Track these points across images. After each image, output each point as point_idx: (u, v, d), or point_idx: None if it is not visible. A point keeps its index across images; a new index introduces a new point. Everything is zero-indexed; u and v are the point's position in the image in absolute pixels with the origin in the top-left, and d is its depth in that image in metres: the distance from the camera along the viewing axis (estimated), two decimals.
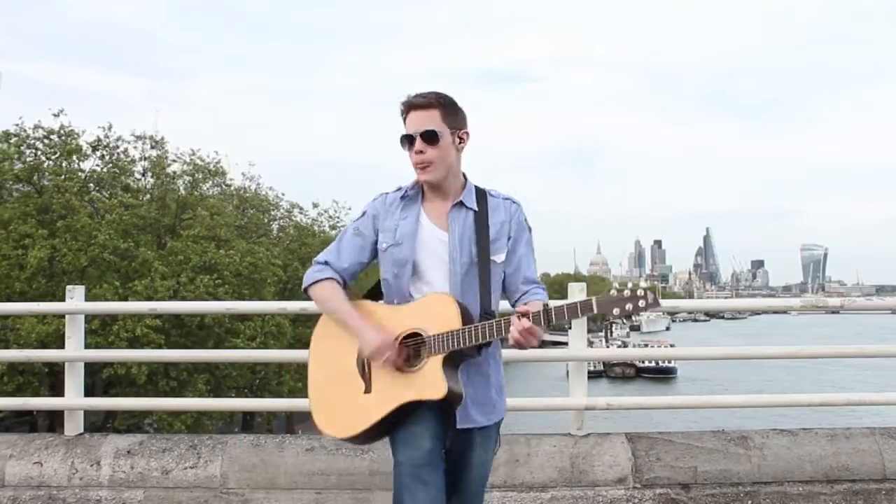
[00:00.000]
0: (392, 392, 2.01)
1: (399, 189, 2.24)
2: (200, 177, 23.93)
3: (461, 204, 2.16)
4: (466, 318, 2.01)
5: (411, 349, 2.03)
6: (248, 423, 26.84)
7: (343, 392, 2.11)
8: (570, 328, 3.57)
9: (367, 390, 2.06)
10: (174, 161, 23.26)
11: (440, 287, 2.10)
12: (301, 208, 29.86)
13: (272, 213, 29.22)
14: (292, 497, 3.23)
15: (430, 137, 2.10)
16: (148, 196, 22.51)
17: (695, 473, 3.20)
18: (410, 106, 2.13)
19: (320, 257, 2.25)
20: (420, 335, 2.03)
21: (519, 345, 1.93)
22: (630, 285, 1.86)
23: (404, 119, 2.16)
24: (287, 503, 3.22)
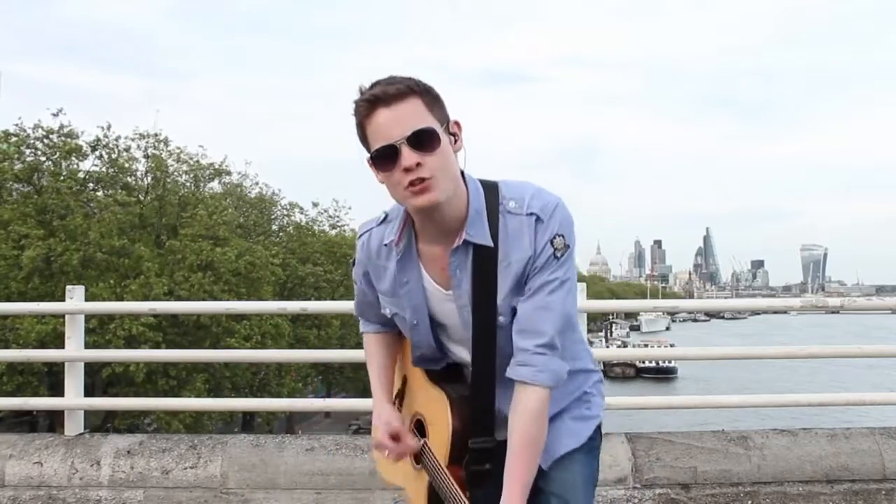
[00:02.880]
0: (421, 480, 1.68)
1: (384, 221, 1.62)
2: (202, 175, 23.94)
3: (466, 243, 1.49)
4: (457, 449, 1.55)
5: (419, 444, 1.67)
6: (248, 423, 26.84)
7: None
8: None
9: (417, 461, 1.70)
10: (175, 161, 23.26)
11: (467, 355, 1.58)
12: (301, 208, 29.93)
13: (272, 212, 29.22)
14: (292, 497, 3.23)
15: (426, 140, 1.40)
16: (148, 195, 22.51)
17: (695, 473, 3.20)
18: (376, 101, 1.41)
19: (354, 310, 1.85)
20: (423, 426, 1.67)
21: None
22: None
23: (364, 125, 1.44)
24: (287, 503, 3.22)
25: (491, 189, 1.52)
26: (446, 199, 1.44)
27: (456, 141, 1.49)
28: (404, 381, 1.81)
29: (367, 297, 1.73)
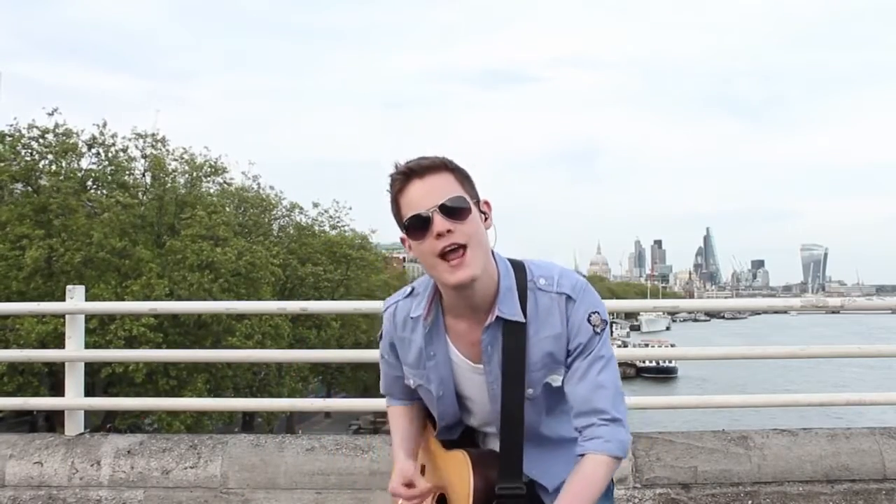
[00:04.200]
0: None
1: (410, 294, 1.67)
2: (200, 174, 23.93)
3: (498, 320, 1.55)
4: (480, 497, 1.55)
5: None
6: (248, 423, 26.87)
7: None
8: None
9: None
10: (174, 160, 23.26)
11: (491, 429, 1.65)
12: (301, 208, 29.94)
13: (272, 212, 29.24)
14: (292, 497, 3.23)
15: (455, 210, 1.46)
16: (146, 195, 22.50)
17: (695, 473, 3.20)
18: (411, 174, 1.48)
19: (381, 388, 1.86)
20: (445, 501, 1.67)
21: None
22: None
23: (398, 196, 1.51)
24: (287, 503, 3.22)
25: (518, 267, 1.59)
26: (481, 275, 1.49)
27: (486, 219, 1.55)
28: (423, 468, 1.81)
29: (394, 371, 1.76)
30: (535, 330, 1.55)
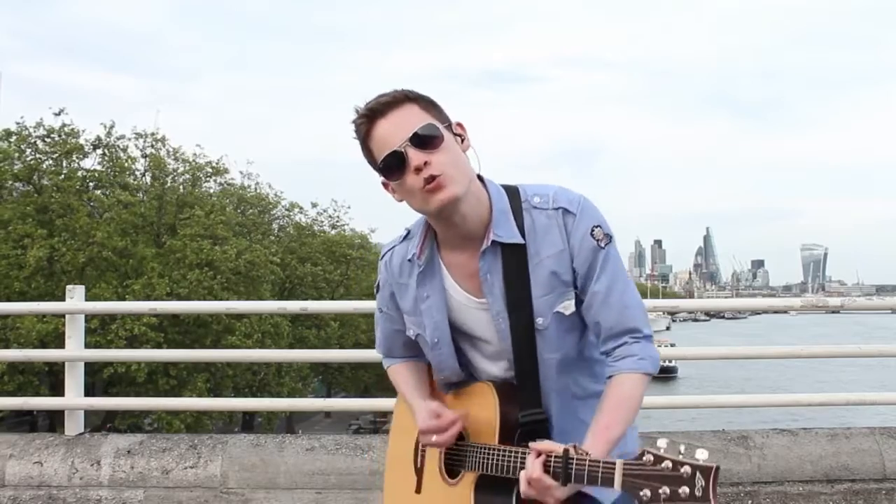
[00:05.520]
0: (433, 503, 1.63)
1: (405, 237, 1.59)
2: (201, 175, 23.95)
3: (494, 244, 1.45)
4: (508, 425, 1.47)
5: (455, 455, 1.59)
6: (247, 423, 26.85)
7: (402, 482, 1.74)
8: None
9: (418, 489, 1.66)
10: (174, 160, 23.26)
11: (503, 372, 1.55)
12: (301, 208, 29.90)
13: (272, 212, 29.24)
14: (292, 497, 3.23)
15: (427, 139, 1.39)
16: (147, 195, 22.51)
17: None
18: (373, 114, 1.41)
19: (377, 349, 1.80)
20: (462, 436, 1.57)
21: (529, 498, 1.34)
22: (681, 451, 1.14)
23: (367, 140, 1.43)
24: (287, 503, 3.22)
25: (511, 190, 1.50)
26: (464, 195, 1.41)
27: (463, 140, 1.46)
28: None
29: (394, 324, 1.67)
30: (535, 251, 1.45)
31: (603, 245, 1.46)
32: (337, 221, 30.25)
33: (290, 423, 29.25)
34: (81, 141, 20.55)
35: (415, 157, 1.37)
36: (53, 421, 14.93)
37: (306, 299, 21.65)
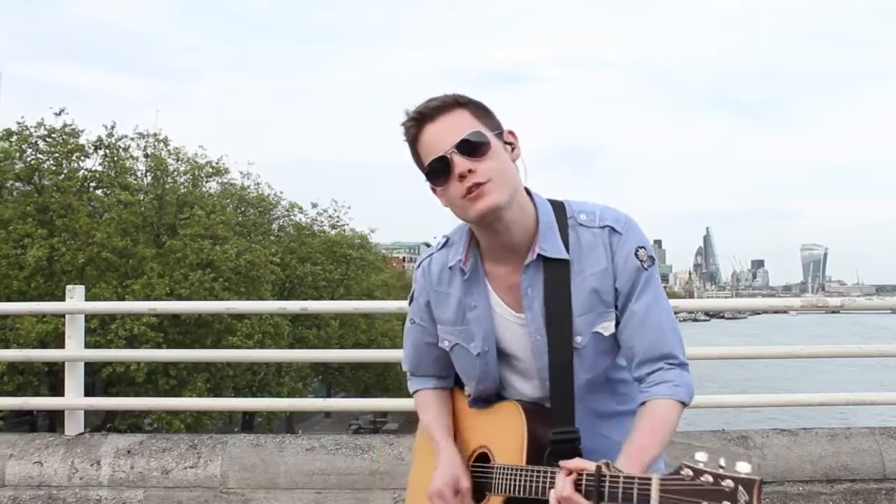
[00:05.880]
0: None
1: (445, 244, 1.55)
2: (201, 175, 23.95)
3: (539, 258, 1.43)
4: (536, 445, 1.42)
5: (480, 476, 1.54)
6: (247, 422, 26.85)
7: None
8: None
9: (479, 498, 1.57)
10: (175, 160, 23.27)
11: (535, 391, 1.51)
12: (300, 208, 29.92)
13: (272, 212, 29.24)
14: (292, 497, 3.23)
15: (474, 146, 1.36)
16: (147, 195, 22.52)
17: None
18: (422, 118, 1.39)
19: (403, 364, 1.73)
20: (488, 457, 1.52)
21: None
22: (721, 464, 1.07)
23: (415, 144, 1.42)
24: (287, 503, 3.22)
25: (557, 205, 1.48)
26: (506, 204, 1.38)
27: (513, 149, 1.44)
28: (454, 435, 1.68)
29: (426, 337, 1.62)
30: (578, 268, 1.43)
31: (646, 266, 1.44)
32: (337, 221, 30.26)
33: (290, 423, 29.24)
34: (82, 141, 20.58)
35: (460, 163, 1.36)
36: (53, 421, 14.93)
37: (306, 299, 21.66)
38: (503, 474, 1.44)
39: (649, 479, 1.14)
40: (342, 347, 23.70)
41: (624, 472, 1.20)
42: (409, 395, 1.89)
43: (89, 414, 3.79)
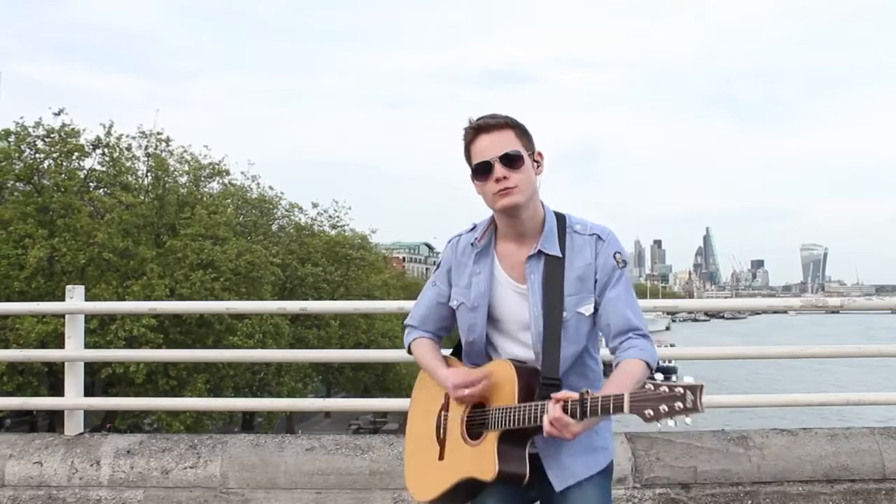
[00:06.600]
0: (457, 464, 1.89)
1: (473, 228, 2.03)
2: (202, 175, 23.92)
3: (540, 253, 1.90)
4: (525, 390, 1.80)
5: (477, 420, 1.89)
6: (247, 422, 26.85)
7: (424, 454, 2.00)
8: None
9: (441, 457, 1.95)
10: (176, 161, 23.24)
11: (521, 350, 1.92)
12: (301, 208, 29.89)
13: (272, 212, 29.20)
14: (292, 497, 3.23)
15: (513, 161, 1.84)
16: (148, 195, 22.49)
17: (695, 473, 3.20)
18: (479, 129, 1.88)
19: (407, 320, 2.15)
20: (483, 406, 1.89)
21: (551, 436, 1.68)
22: (673, 380, 1.53)
23: (470, 146, 1.90)
24: (287, 503, 3.22)
25: (560, 216, 1.96)
26: (524, 204, 1.87)
27: (538, 167, 1.93)
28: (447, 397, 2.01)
29: (440, 297, 2.06)
30: (570, 262, 1.90)
31: (620, 266, 1.92)
32: (337, 222, 30.20)
33: (289, 423, 29.23)
34: (81, 141, 20.54)
35: (499, 170, 1.84)
36: (53, 421, 14.94)
37: (306, 300, 21.66)
38: (499, 413, 1.82)
39: (621, 395, 1.59)
40: (342, 347, 23.69)
41: (601, 394, 1.64)
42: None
43: (89, 414, 3.79)
